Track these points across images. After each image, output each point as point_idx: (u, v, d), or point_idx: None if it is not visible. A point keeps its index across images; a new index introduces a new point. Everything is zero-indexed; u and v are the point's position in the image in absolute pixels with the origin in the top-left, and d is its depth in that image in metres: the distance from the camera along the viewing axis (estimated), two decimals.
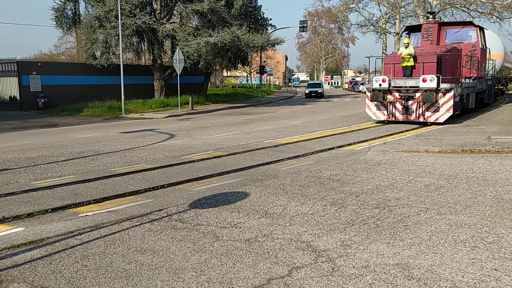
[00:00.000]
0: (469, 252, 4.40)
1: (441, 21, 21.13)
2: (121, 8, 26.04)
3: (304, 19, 43.53)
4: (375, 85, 16.48)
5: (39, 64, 28.42)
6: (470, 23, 19.22)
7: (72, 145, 12.62)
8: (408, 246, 4.57)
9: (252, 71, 68.43)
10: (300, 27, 40.31)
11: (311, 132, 14.99)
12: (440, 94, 15.35)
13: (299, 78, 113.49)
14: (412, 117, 16.01)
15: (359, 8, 39.64)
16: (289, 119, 20.92)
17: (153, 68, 31.72)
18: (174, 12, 32.69)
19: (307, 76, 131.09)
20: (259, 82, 46.97)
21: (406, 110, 16.18)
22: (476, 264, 4.12)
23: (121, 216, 5.81)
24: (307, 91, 45.53)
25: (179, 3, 30.40)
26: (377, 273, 3.96)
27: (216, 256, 4.43)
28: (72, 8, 31.44)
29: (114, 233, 5.15)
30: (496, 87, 26.96)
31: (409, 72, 16.24)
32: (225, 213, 5.83)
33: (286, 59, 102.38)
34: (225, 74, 67.63)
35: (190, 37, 28.05)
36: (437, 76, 15.16)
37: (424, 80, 15.27)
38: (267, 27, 36.12)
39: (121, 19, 26.04)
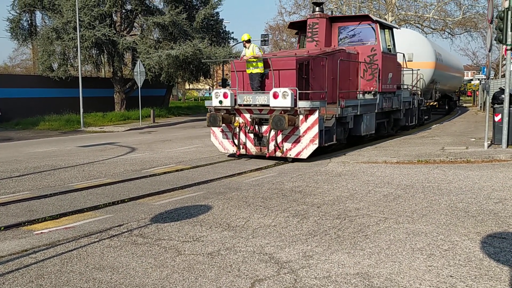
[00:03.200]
0: (426, 259, 4.53)
1: (332, 15, 15.73)
2: (79, 20, 25.54)
3: (265, 33, 44.08)
4: (215, 103, 11.59)
5: None
6: (366, 18, 14.13)
7: (27, 160, 12.17)
8: (368, 255, 4.66)
9: (214, 84, 68.44)
10: (261, 41, 40.77)
11: None
12: (301, 117, 10.62)
13: None
14: (267, 149, 11.06)
15: None
16: None
17: (113, 80, 31.16)
18: (135, 24, 32.37)
19: None
20: None
21: (260, 139, 11.33)
22: (433, 271, 4.25)
23: (78, 232, 5.64)
24: None
25: (139, 15, 30.14)
26: (338, 283, 4.01)
27: (178, 271, 4.37)
28: (28, 19, 30.58)
29: (71, 250, 4.99)
30: (428, 103, 21.64)
31: (258, 84, 11.34)
32: (187, 227, 5.77)
33: None
34: (187, 86, 67.34)
35: (151, 49, 27.80)
36: (292, 90, 10.43)
37: (275, 96, 10.50)
38: (229, 40, 36.32)
39: (80, 31, 25.52)
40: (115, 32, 28.28)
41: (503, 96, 12.16)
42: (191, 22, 30.14)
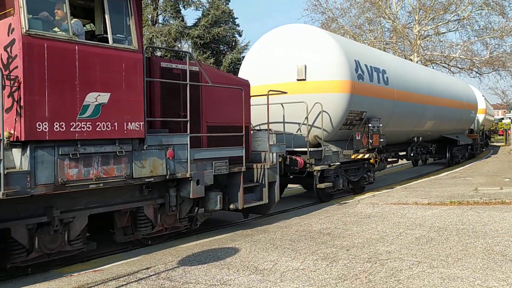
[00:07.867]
0: None
1: None
2: None
3: None
4: None
5: None
6: None
7: None
8: None
9: None
10: None
11: None
12: None
13: None
14: None
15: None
16: None
17: None
18: None
19: None
20: None
21: None
22: None
23: (107, 275, 5.65)
24: None
25: None
26: None
27: None
28: None
29: None
30: (359, 156, 11.63)
31: None
32: (215, 270, 5.71)
33: None
34: None
35: None
36: None
37: None
38: None
39: None
40: None
41: None
42: (218, 66, 31.02)
